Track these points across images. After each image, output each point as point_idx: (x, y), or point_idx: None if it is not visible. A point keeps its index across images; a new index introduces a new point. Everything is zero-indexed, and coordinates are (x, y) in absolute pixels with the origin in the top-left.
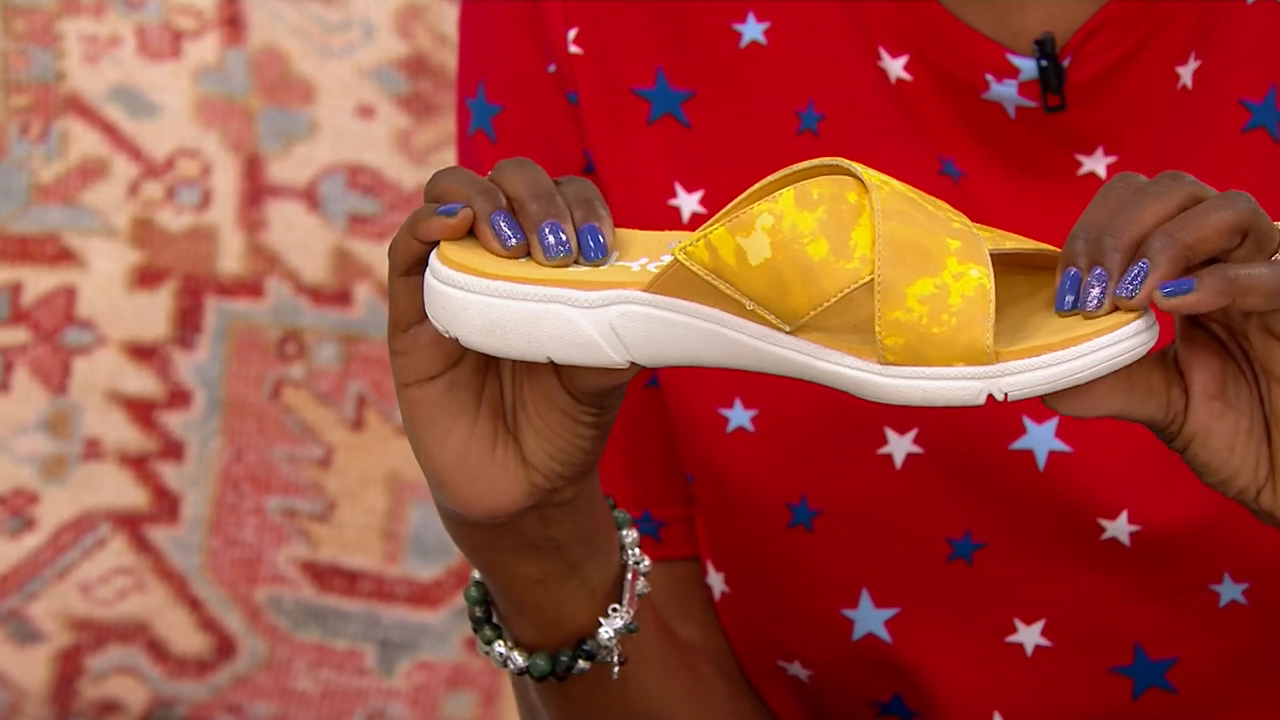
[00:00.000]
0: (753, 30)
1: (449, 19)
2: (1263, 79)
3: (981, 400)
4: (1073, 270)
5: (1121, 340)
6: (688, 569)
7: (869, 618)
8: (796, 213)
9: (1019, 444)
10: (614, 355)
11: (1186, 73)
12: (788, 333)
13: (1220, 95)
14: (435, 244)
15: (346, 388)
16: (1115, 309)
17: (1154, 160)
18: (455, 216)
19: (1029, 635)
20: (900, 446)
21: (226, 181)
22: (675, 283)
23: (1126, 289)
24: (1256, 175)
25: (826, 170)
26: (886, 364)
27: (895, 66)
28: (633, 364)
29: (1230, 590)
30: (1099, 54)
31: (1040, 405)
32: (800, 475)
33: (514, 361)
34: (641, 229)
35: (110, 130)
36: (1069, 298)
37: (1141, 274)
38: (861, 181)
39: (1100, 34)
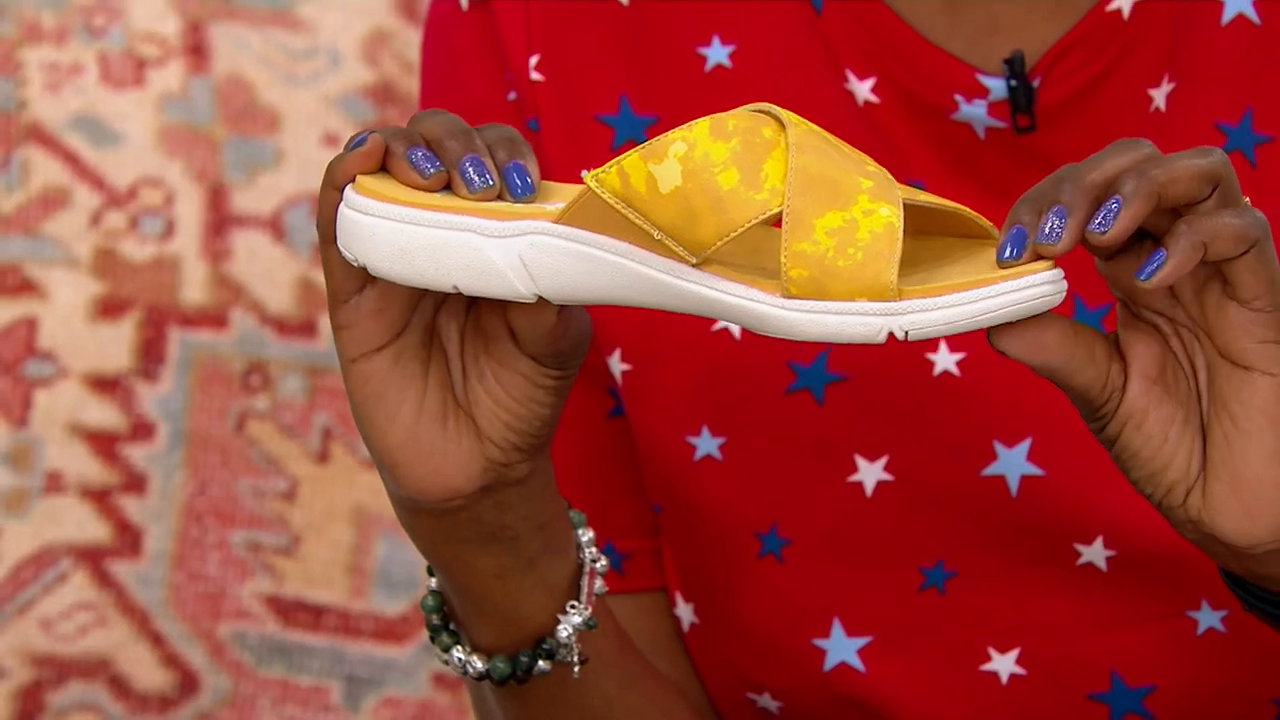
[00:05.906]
0: (718, 54)
1: (416, 46)
2: (1238, 102)
3: (882, 338)
4: (1018, 227)
5: (1028, 287)
6: (654, 601)
7: (841, 647)
8: (710, 141)
9: (991, 469)
10: (520, 287)
11: (1159, 95)
12: (693, 265)
13: (1194, 118)
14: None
15: (312, 420)
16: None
17: None
18: (366, 144)
19: (1004, 664)
20: (870, 474)
21: (190, 211)
22: (585, 213)
23: (1098, 224)
24: None
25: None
26: (790, 297)
27: (863, 89)
28: (540, 298)
29: (1208, 617)
30: (1070, 75)
31: (1011, 429)
32: (769, 504)
33: (469, 332)
34: None
35: (72, 159)
36: (1011, 249)
37: (1114, 210)
38: (779, 121)
39: (1071, 54)
